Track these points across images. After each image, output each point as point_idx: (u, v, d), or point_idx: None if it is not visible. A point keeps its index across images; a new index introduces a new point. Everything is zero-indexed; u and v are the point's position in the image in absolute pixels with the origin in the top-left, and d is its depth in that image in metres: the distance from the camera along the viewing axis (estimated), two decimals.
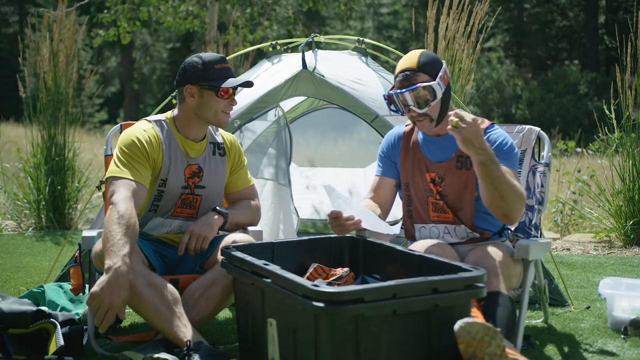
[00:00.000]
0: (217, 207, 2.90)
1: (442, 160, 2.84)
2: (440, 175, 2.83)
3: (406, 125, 3.00)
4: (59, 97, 6.29)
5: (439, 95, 2.73)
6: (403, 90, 2.74)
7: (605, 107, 5.87)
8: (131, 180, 2.66)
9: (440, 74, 2.75)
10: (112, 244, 2.41)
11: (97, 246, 2.68)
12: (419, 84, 2.72)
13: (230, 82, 2.82)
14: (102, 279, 2.35)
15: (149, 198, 2.82)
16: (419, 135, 2.92)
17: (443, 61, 2.83)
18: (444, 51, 5.53)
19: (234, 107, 2.91)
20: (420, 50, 2.82)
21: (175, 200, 2.87)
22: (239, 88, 2.90)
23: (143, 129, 2.82)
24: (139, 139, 2.76)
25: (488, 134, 2.77)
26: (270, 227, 4.07)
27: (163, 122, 2.89)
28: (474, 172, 2.75)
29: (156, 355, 2.33)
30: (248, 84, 2.90)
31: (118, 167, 2.70)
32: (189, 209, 2.91)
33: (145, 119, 2.91)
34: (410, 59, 2.78)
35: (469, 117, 2.52)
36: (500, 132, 2.79)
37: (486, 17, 5.58)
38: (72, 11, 6.19)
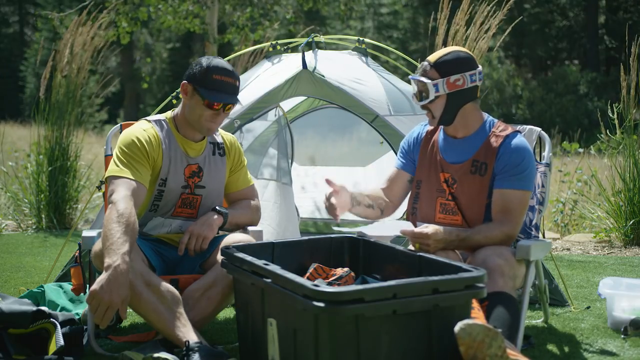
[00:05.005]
0: (217, 207, 2.89)
1: (458, 162, 2.82)
2: (454, 177, 2.82)
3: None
4: (67, 99, 6.28)
5: (431, 96, 2.76)
6: (411, 77, 2.86)
7: (608, 108, 5.85)
8: (131, 179, 2.66)
9: (451, 77, 2.74)
10: (112, 242, 2.41)
11: (97, 246, 2.68)
12: (417, 77, 2.80)
13: (217, 97, 2.77)
14: (102, 277, 2.35)
15: (149, 198, 2.82)
16: (440, 135, 2.92)
17: (477, 68, 2.78)
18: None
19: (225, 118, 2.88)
20: (456, 48, 2.82)
21: (175, 200, 2.87)
22: (235, 99, 2.86)
23: (143, 129, 2.82)
24: (138, 139, 2.76)
25: (506, 145, 2.75)
26: (274, 228, 4.06)
27: (163, 121, 2.88)
28: (488, 179, 2.75)
29: (156, 355, 2.33)
30: (233, 102, 2.83)
31: (118, 166, 2.70)
32: (189, 208, 2.90)
33: (145, 119, 2.91)
34: (437, 53, 2.84)
35: (425, 231, 2.59)
36: (515, 148, 2.74)
37: (498, 20, 5.58)
38: (86, 15, 6.19)
